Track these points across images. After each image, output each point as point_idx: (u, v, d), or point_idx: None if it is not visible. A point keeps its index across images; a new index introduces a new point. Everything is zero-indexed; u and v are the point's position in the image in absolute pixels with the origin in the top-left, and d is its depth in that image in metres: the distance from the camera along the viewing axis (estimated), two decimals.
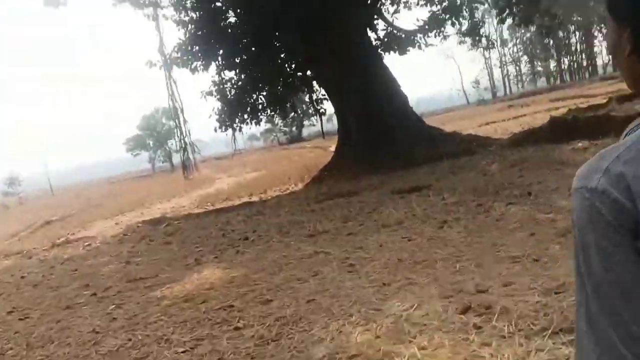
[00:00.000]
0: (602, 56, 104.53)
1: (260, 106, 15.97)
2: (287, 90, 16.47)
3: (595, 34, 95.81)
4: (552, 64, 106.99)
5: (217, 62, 15.01)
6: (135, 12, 15.26)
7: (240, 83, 15.30)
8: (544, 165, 8.86)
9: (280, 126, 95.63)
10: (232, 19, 15.82)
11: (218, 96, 15.20)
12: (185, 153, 14.16)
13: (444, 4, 15.20)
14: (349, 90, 14.82)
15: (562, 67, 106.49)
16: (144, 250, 8.88)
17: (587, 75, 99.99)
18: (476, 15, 16.29)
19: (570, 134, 11.21)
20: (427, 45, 15.44)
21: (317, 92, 17.39)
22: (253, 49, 14.72)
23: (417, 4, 15.90)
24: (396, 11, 15.60)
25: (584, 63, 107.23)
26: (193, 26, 15.34)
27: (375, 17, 15.54)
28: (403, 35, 15.19)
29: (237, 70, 15.23)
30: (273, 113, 17.26)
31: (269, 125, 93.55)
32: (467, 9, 15.36)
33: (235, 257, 6.97)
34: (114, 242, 10.54)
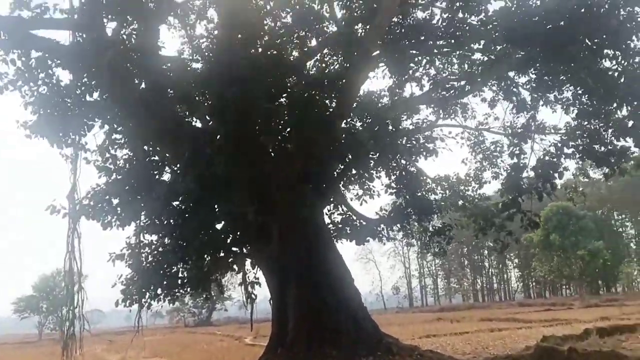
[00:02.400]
0: (513, 281, 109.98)
1: (179, 281, 13.08)
2: (216, 266, 13.82)
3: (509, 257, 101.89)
4: (466, 283, 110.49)
5: (137, 222, 12.42)
6: (51, 149, 12.79)
7: (161, 249, 12.57)
8: None
9: (190, 306, 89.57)
10: (167, 176, 13.72)
11: (130, 262, 12.31)
12: (72, 328, 10.59)
13: (410, 198, 13.93)
14: (290, 276, 12.45)
15: (476, 286, 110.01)
16: None
17: (497, 297, 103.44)
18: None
19: None
20: (389, 238, 13.75)
21: (248, 273, 14.82)
22: (186, 213, 12.42)
23: (385, 191, 14.54)
24: (360, 196, 14.08)
25: (495, 286, 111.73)
26: (118, 175, 13.02)
27: (332, 199, 13.93)
28: (364, 223, 13.44)
29: (161, 234, 12.63)
30: (193, 291, 14.30)
31: (177, 304, 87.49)
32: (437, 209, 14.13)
33: None
34: None
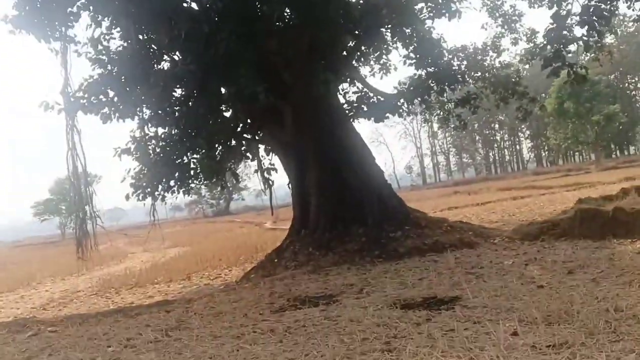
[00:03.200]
0: (525, 152, 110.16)
1: (192, 172, 12.50)
2: (229, 155, 13.16)
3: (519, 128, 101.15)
4: (479, 157, 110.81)
5: (139, 114, 11.57)
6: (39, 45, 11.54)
7: (168, 140, 11.83)
8: (623, 272, 5.97)
9: (208, 198, 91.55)
10: (166, 65, 12.66)
11: (137, 154, 11.62)
12: (84, 226, 10.14)
13: (432, 69, 12.80)
14: (308, 159, 11.78)
15: (489, 160, 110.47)
16: None
17: (509, 169, 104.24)
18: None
19: (607, 229, 8.56)
20: (409, 113, 12.85)
21: (263, 160, 14.21)
22: (190, 100, 11.53)
23: (404, 63, 13.36)
24: (376, 71, 12.96)
25: (507, 158, 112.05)
26: (113, 67, 11.95)
27: (347, 74, 12.84)
28: (382, 99, 12.45)
29: (166, 126, 11.83)
30: (208, 182, 13.79)
31: (194, 197, 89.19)
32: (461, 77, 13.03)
33: None
34: None
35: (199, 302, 8.25)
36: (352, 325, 5.20)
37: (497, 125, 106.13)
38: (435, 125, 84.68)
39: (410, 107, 13.24)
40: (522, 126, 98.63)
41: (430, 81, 12.81)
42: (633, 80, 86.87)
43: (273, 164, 13.77)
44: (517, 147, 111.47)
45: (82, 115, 11.36)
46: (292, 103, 11.38)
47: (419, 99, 12.87)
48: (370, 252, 10.07)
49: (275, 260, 11.05)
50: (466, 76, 14.00)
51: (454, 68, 13.54)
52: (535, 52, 13.51)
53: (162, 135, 11.91)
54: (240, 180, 17.31)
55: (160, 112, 11.70)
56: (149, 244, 25.59)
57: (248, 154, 14.07)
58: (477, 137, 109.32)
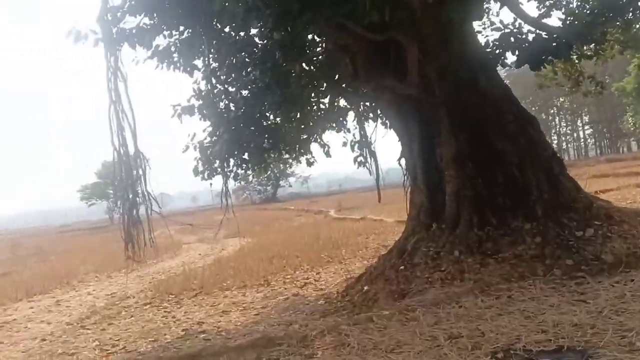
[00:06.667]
0: (586, 138, 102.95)
1: (268, 142, 9.25)
2: (322, 117, 9.92)
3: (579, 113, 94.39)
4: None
5: (204, 57, 8.31)
6: None
7: (248, 96, 8.54)
8: None
9: (255, 184, 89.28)
10: None
11: (205, 111, 8.39)
12: (134, 212, 6.77)
13: None
14: (441, 121, 8.30)
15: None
16: None
17: (566, 157, 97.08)
18: None
19: None
20: (583, 56, 9.20)
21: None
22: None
23: None
24: None
25: (564, 145, 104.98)
26: None
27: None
28: (544, 35, 8.70)
29: (245, 73, 8.49)
30: (294, 154, 10.60)
31: (241, 183, 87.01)
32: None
33: None
34: None
35: (321, 343, 5.01)
36: None
37: (554, 110, 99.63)
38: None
39: (579, 47, 9.48)
40: (583, 110, 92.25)
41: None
42: None
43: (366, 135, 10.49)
44: (576, 134, 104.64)
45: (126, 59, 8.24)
46: (420, 37, 7.93)
47: (601, 32, 9.07)
48: (559, 261, 6.62)
49: (402, 268, 7.67)
50: None
51: None
52: None
53: (237, 92, 8.65)
54: (330, 153, 13.76)
55: (231, 57, 8.43)
56: (203, 233, 22.78)
57: (342, 119, 10.80)
58: None
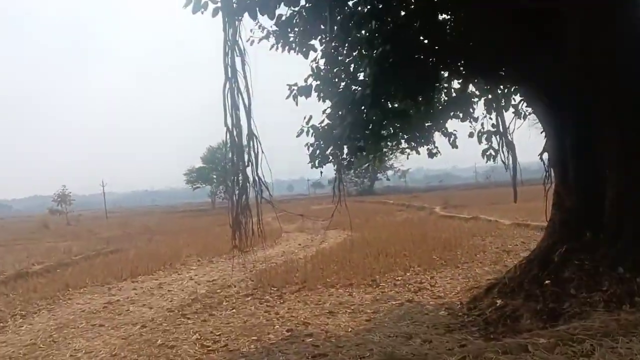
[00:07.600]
0: None
1: (395, 128, 8.24)
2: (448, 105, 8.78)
3: None
4: None
5: (331, 26, 7.42)
6: None
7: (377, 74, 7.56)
8: None
9: (352, 176, 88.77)
10: None
11: (324, 91, 7.55)
12: (243, 198, 6.11)
13: None
14: (605, 108, 6.86)
15: None
16: None
17: None
18: None
19: None
20: None
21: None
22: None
23: None
24: None
25: None
26: None
27: None
28: None
29: (377, 45, 7.46)
30: (407, 145, 9.56)
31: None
32: None
33: None
34: None
35: None
36: None
37: None
38: None
39: None
40: None
41: None
42: None
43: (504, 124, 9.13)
44: None
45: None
46: (586, 6, 6.55)
47: None
48: None
49: (548, 283, 6.40)
50: None
51: None
52: None
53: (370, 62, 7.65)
54: (456, 144, 12.50)
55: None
56: (303, 223, 22.29)
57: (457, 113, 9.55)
58: None
